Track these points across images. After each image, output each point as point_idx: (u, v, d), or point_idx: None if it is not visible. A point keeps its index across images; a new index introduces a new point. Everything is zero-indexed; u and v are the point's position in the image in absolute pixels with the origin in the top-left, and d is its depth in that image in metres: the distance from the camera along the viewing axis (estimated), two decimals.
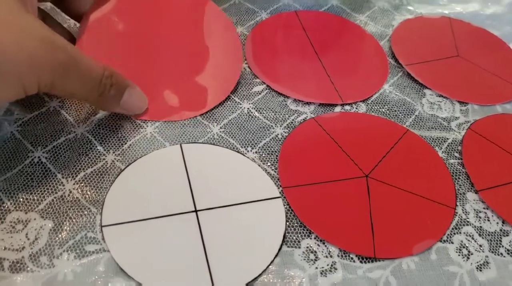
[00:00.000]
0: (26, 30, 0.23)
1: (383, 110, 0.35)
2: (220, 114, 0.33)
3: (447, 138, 0.34)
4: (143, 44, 0.33)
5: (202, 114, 0.33)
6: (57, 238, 0.25)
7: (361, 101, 0.35)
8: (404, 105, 0.36)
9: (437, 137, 0.34)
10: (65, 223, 0.26)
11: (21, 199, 0.27)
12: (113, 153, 0.30)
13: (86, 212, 0.27)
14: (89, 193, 0.28)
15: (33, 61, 0.23)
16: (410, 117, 0.35)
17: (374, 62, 0.39)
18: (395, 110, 0.35)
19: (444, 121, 0.35)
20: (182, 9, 0.36)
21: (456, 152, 0.33)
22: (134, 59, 0.33)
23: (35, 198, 0.27)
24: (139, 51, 0.33)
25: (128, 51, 0.33)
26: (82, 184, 0.28)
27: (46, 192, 0.27)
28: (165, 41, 0.34)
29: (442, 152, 0.33)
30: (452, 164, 0.32)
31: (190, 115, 0.32)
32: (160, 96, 0.32)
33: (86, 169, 0.29)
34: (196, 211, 0.27)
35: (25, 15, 0.23)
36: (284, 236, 0.27)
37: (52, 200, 0.27)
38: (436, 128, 0.34)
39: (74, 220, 0.26)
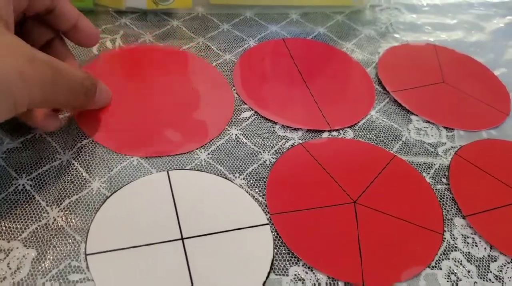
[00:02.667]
0: (12, 49, 0.23)
1: (370, 136, 0.35)
2: (208, 141, 0.33)
3: (434, 164, 0.34)
4: (143, 96, 0.35)
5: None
6: (40, 267, 0.25)
7: (348, 127, 0.36)
8: (391, 131, 0.36)
9: (424, 163, 0.34)
10: (48, 251, 0.26)
11: (4, 227, 0.26)
12: (99, 180, 0.29)
13: (70, 240, 0.26)
14: (73, 220, 0.27)
15: (23, 78, 0.23)
16: (397, 143, 0.35)
17: (360, 88, 0.39)
18: (382, 136, 0.35)
19: (430, 147, 0.35)
20: (168, 64, 0.38)
21: (443, 177, 0.33)
22: (136, 108, 0.34)
23: (18, 226, 0.26)
24: (139, 101, 0.34)
25: (130, 100, 0.34)
26: (67, 212, 0.27)
27: (29, 220, 0.27)
28: (160, 91, 0.35)
29: (429, 177, 0.33)
30: (439, 189, 0.33)
31: (194, 147, 0.32)
32: (163, 136, 0.32)
33: (71, 196, 0.28)
34: (182, 238, 0.27)
35: (7, 34, 0.23)
36: (272, 264, 0.27)
37: (36, 228, 0.26)
38: (423, 154, 0.35)
39: (58, 248, 0.26)
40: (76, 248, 0.26)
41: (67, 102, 0.28)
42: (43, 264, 0.25)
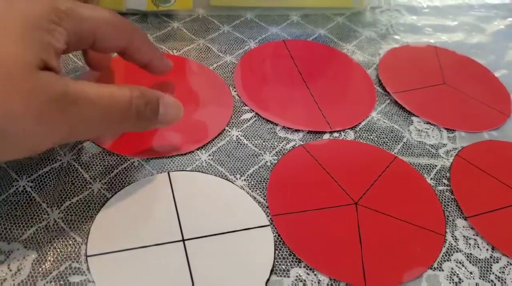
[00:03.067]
0: (37, 89, 0.21)
1: (371, 137, 0.35)
2: (209, 142, 0.33)
3: (436, 165, 0.34)
4: None
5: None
6: (40, 269, 0.25)
7: (349, 128, 0.35)
8: (392, 132, 0.36)
9: (426, 164, 0.34)
10: (49, 253, 0.25)
11: (4, 229, 0.26)
12: (100, 181, 0.29)
13: (71, 242, 0.26)
14: (74, 222, 0.27)
15: (41, 120, 0.21)
16: (398, 144, 0.35)
17: (361, 90, 0.39)
18: (383, 138, 0.35)
19: (432, 148, 0.35)
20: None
21: (445, 179, 0.33)
22: None
23: (19, 227, 0.26)
24: None
25: None
26: (67, 213, 0.27)
27: (30, 222, 0.27)
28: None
29: (431, 178, 0.33)
30: (440, 190, 0.32)
31: (194, 147, 0.32)
32: (164, 137, 0.32)
33: (72, 198, 0.28)
34: (183, 240, 0.27)
35: (37, 71, 0.21)
36: (273, 265, 0.27)
37: (36, 230, 0.26)
38: (424, 155, 0.35)
39: (58, 250, 0.26)
40: (76, 250, 0.26)
41: (112, 129, 0.26)
42: (44, 266, 0.25)
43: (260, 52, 0.41)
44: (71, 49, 0.25)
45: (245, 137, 0.34)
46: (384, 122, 0.37)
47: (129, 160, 0.31)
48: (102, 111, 0.24)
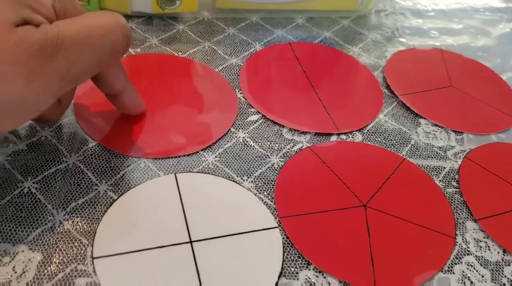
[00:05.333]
0: (18, 45, 0.21)
1: (379, 139, 0.35)
2: (215, 144, 0.32)
3: (444, 167, 0.34)
4: (147, 99, 0.34)
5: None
6: (45, 271, 0.24)
7: (356, 130, 0.35)
8: (400, 134, 0.36)
9: (434, 167, 0.34)
10: (54, 255, 0.25)
11: (9, 230, 0.26)
12: (106, 182, 0.29)
13: (76, 244, 0.26)
14: (80, 224, 0.27)
15: (32, 75, 0.21)
16: (406, 146, 0.35)
17: (368, 92, 0.39)
18: (391, 140, 0.35)
19: (440, 150, 0.35)
20: (172, 70, 0.38)
21: (454, 181, 0.33)
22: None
23: (24, 229, 0.26)
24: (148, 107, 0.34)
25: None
26: (73, 215, 0.27)
27: (35, 223, 0.26)
28: (165, 95, 0.35)
29: (439, 180, 0.33)
30: (450, 192, 0.32)
31: (199, 148, 0.32)
32: (169, 138, 0.32)
33: (78, 200, 0.28)
34: (191, 242, 0.26)
35: (15, 28, 0.21)
36: (282, 268, 0.26)
37: (42, 232, 0.26)
38: (432, 157, 0.34)
39: (64, 252, 0.25)
40: (82, 252, 0.25)
41: (107, 63, 0.26)
42: (49, 268, 0.25)
43: (265, 54, 0.41)
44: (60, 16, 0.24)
45: (251, 139, 0.33)
46: (392, 124, 0.36)
47: (135, 161, 0.30)
48: (88, 46, 0.23)
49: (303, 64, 0.40)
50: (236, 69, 0.39)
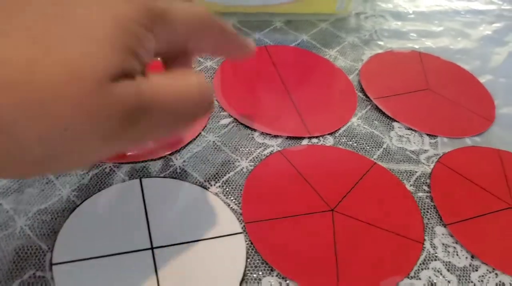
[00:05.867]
0: (108, 107, 0.17)
1: (350, 143, 0.35)
2: (184, 148, 0.32)
3: (416, 172, 0.33)
4: None
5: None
6: (2, 278, 0.24)
7: (328, 134, 0.35)
8: (372, 138, 0.35)
9: (406, 171, 0.33)
10: (12, 261, 0.25)
11: None
12: (70, 187, 0.29)
13: (36, 250, 0.25)
14: (41, 229, 0.26)
15: (109, 140, 0.18)
16: (378, 150, 0.34)
17: (342, 96, 0.39)
18: (363, 143, 0.35)
19: (412, 154, 0.35)
20: None
21: (425, 185, 0.33)
22: None
23: None
24: None
25: None
26: (35, 220, 0.27)
27: None
28: None
29: (410, 185, 0.32)
30: (420, 197, 0.32)
31: (167, 152, 0.32)
32: None
33: (40, 205, 0.28)
34: (152, 248, 0.26)
35: (111, 84, 0.17)
36: (244, 274, 0.26)
37: (1, 237, 0.26)
38: (404, 161, 0.34)
39: (22, 258, 0.25)
40: (41, 258, 0.25)
41: (179, 130, 0.25)
42: (6, 275, 0.24)
43: None
44: (159, 56, 0.22)
45: (222, 143, 0.33)
46: (364, 128, 0.36)
47: (100, 166, 0.30)
48: (176, 112, 0.21)
49: (278, 67, 0.40)
50: (211, 72, 0.39)
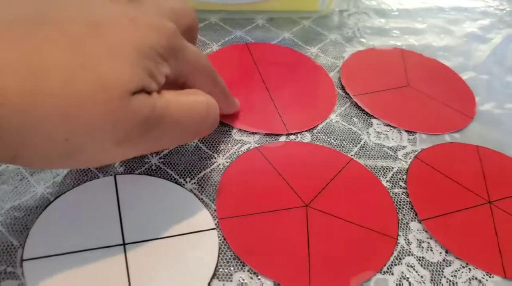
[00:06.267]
0: (128, 114, 0.21)
1: (328, 139, 0.35)
2: None
3: (393, 168, 0.34)
4: None
5: None
6: None
7: (306, 131, 0.35)
8: (350, 134, 0.35)
9: (382, 167, 0.33)
10: None
11: None
12: (44, 184, 0.29)
13: (7, 246, 0.26)
14: (13, 226, 0.26)
15: (124, 143, 0.22)
16: (356, 146, 0.35)
17: (322, 93, 0.39)
18: (341, 140, 0.35)
19: (390, 150, 0.35)
20: None
21: (402, 181, 0.33)
22: None
23: None
24: None
25: None
26: (7, 217, 0.27)
27: None
28: None
29: (387, 181, 0.33)
30: (396, 193, 0.32)
31: None
32: None
33: (14, 201, 0.28)
34: (124, 244, 0.26)
35: (131, 96, 0.21)
36: (215, 269, 0.26)
37: None
38: (381, 158, 0.34)
39: None
40: (12, 254, 0.25)
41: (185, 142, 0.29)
42: None
43: (221, 54, 0.41)
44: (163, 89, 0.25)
45: (199, 140, 0.33)
46: (343, 124, 0.36)
47: None
48: (183, 127, 0.25)
49: (258, 64, 0.40)
50: None
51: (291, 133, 0.35)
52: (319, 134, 0.35)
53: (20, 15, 0.20)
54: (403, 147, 0.35)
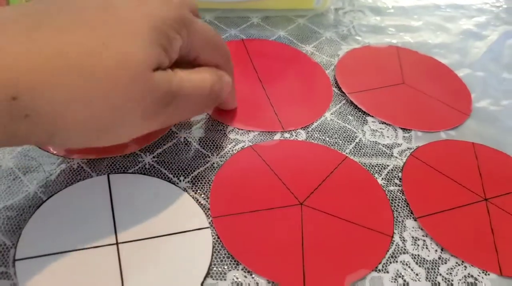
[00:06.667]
0: (150, 90, 0.23)
1: (323, 137, 0.35)
2: (155, 144, 0.32)
3: (388, 165, 0.33)
4: None
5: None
6: None
7: (301, 129, 0.35)
8: (345, 132, 0.35)
9: (378, 164, 0.33)
10: None
11: None
12: (37, 184, 0.29)
13: (0, 246, 0.25)
14: (6, 226, 0.26)
15: (148, 116, 0.24)
16: (351, 144, 0.34)
17: (318, 91, 0.39)
18: (336, 138, 0.35)
19: (385, 148, 0.35)
20: None
21: (397, 179, 0.33)
22: None
23: None
24: None
25: None
26: (0, 217, 0.27)
27: None
28: None
29: (382, 178, 0.32)
30: (391, 190, 0.32)
31: (136, 148, 0.31)
32: None
33: (6, 201, 0.27)
34: (117, 243, 0.26)
35: (151, 73, 0.23)
36: (209, 268, 0.26)
37: None
38: (376, 155, 0.34)
39: None
40: (5, 254, 0.25)
41: (195, 114, 0.32)
42: None
43: None
44: (177, 61, 0.26)
45: (193, 139, 0.33)
46: (338, 122, 0.36)
47: (68, 162, 0.30)
48: (193, 101, 0.26)
49: (254, 61, 0.40)
50: None
51: (286, 132, 0.34)
52: (314, 133, 0.35)
53: (36, 7, 0.21)
54: (399, 144, 0.35)
